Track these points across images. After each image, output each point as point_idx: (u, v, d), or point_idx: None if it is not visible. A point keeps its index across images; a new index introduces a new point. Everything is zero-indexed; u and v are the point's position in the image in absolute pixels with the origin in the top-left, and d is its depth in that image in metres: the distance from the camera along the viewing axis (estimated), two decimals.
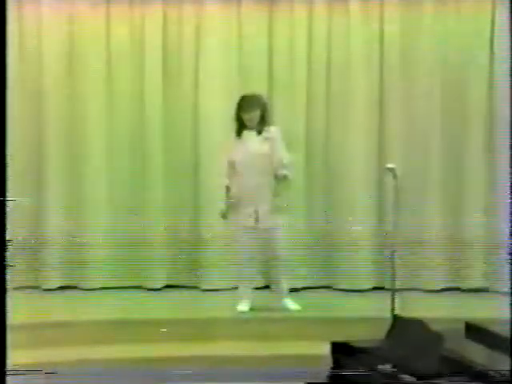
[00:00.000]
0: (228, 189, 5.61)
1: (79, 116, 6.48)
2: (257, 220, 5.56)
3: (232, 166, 5.60)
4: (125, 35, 6.48)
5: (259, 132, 5.60)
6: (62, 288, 6.47)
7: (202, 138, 6.47)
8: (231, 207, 5.61)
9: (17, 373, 3.76)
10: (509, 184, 6.18)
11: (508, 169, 6.22)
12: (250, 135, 5.61)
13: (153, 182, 6.48)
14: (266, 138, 5.58)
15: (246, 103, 5.59)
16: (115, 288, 6.47)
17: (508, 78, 6.19)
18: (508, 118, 6.26)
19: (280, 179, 5.57)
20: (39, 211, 6.47)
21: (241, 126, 5.62)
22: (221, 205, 5.67)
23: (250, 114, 5.56)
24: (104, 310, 5.95)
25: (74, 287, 6.50)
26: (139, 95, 6.49)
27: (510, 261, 6.09)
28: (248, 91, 5.97)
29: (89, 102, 6.46)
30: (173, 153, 6.53)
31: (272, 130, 5.61)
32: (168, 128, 6.52)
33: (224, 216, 5.67)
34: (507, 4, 6.21)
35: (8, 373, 3.46)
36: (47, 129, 6.44)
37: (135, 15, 6.47)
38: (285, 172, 5.56)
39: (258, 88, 6.38)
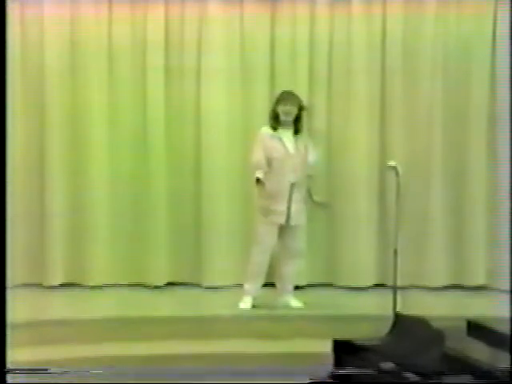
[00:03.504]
0: (262, 183, 5.56)
1: (81, 116, 6.46)
2: (288, 218, 5.59)
3: (269, 162, 5.58)
4: (127, 35, 6.47)
5: (296, 132, 5.64)
6: (64, 285, 6.48)
7: (204, 137, 6.46)
8: (263, 202, 5.58)
9: (16, 371, 3.77)
10: (509, 182, 6.21)
11: (509, 167, 6.25)
12: (285, 133, 5.63)
13: (155, 181, 6.47)
14: (301, 138, 5.66)
15: (286, 96, 5.64)
16: (117, 285, 6.49)
17: (509, 78, 6.20)
18: (508, 118, 6.28)
19: (307, 178, 5.68)
20: (41, 209, 6.48)
21: (276, 122, 5.63)
22: (260, 201, 5.61)
23: (289, 107, 5.59)
24: (106, 307, 5.95)
25: (76, 284, 6.51)
26: (141, 94, 6.48)
27: (510, 259, 6.12)
28: (249, 90, 6.01)
29: (91, 101, 6.44)
30: (175, 151, 6.53)
31: (305, 131, 5.73)
32: (170, 127, 6.50)
33: (265, 212, 5.58)
34: (508, 4, 6.23)
35: (8, 371, 3.48)
36: (49, 129, 6.41)
37: (137, 15, 6.46)
38: (312, 172, 5.72)
39: (260, 87, 6.41)
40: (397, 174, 5.18)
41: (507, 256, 6.16)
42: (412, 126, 6.53)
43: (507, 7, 6.27)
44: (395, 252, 5.16)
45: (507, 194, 6.28)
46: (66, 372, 4.33)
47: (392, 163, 5.26)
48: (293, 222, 5.61)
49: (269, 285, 5.95)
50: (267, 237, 5.63)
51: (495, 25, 6.40)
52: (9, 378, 3.79)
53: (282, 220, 5.58)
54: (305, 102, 5.81)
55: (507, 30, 6.26)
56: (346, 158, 6.49)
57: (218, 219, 6.44)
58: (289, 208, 5.57)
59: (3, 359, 3.70)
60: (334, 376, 4.05)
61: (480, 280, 6.48)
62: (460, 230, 6.51)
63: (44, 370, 4.19)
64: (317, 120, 6.47)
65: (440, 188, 6.49)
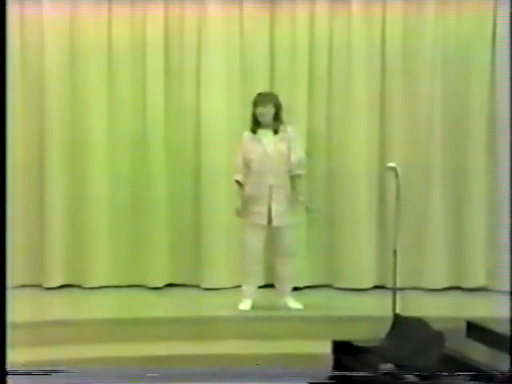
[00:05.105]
0: (241, 185, 5.61)
1: (81, 116, 6.47)
2: (270, 219, 5.58)
3: (247, 164, 5.60)
4: (126, 36, 6.48)
5: (275, 131, 5.61)
6: (63, 286, 6.47)
7: (204, 138, 6.47)
8: (244, 205, 5.61)
9: (17, 373, 3.76)
10: (509, 182, 6.21)
11: (509, 167, 6.24)
12: (266, 134, 5.62)
13: (155, 182, 6.47)
14: (283, 138, 5.61)
15: (259, 98, 5.62)
16: (117, 287, 6.49)
17: (509, 79, 6.20)
18: (508, 118, 6.28)
19: (295, 178, 5.63)
20: (41, 211, 6.47)
21: (255, 123, 5.63)
22: (238, 203, 5.67)
23: (262, 109, 5.57)
24: (106, 308, 5.96)
25: (76, 286, 6.50)
26: (141, 95, 6.49)
27: (510, 260, 6.11)
28: (249, 91, 6.00)
29: (91, 102, 6.46)
30: (175, 152, 6.53)
31: (289, 130, 5.66)
32: (170, 128, 6.51)
33: (238, 213, 5.67)
34: (508, 4, 6.23)
35: (8, 373, 3.47)
36: (49, 130, 6.42)
37: (137, 16, 6.47)
38: (300, 171, 5.65)
39: (260, 88, 6.40)
40: (396, 175, 5.17)
41: (507, 257, 6.15)
42: (412, 127, 6.52)
43: (507, 7, 6.27)
44: (395, 253, 5.15)
45: (507, 194, 6.28)
46: (65, 373, 4.32)
47: (391, 164, 5.25)
48: (275, 223, 5.59)
49: (269, 286, 5.95)
50: (251, 238, 5.63)
51: (495, 25, 6.40)
52: (9, 379, 3.79)
53: (263, 221, 5.57)
54: (282, 99, 5.73)
55: (507, 30, 6.26)
56: (346, 158, 6.49)
57: (217, 220, 6.44)
58: (269, 209, 5.57)
59: (3, 360, 3.69)
60: (332, 377, 4.06)
61: (480, 281, 6.47)
62: (460, 231, 6.50)
63: (45, 372, 4.19)
64: (317, 121, 6.48)
65: (440, 189, 6.48)
